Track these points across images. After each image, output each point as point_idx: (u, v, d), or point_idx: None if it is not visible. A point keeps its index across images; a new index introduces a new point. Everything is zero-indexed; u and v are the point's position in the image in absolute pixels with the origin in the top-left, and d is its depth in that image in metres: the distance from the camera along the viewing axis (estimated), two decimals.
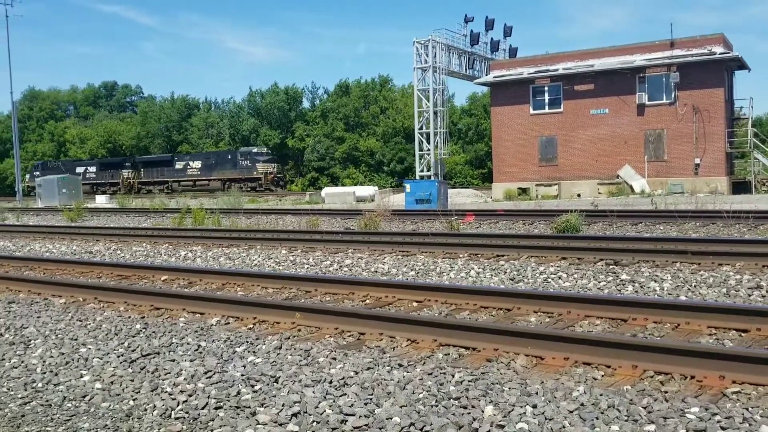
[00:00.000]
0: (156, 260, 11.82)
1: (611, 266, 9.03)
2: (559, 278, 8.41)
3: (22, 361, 5.66)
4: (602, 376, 4.62)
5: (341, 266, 10.16)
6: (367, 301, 7.38)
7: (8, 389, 5.04)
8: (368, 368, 4.89)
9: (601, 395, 4.14)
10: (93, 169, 55.83)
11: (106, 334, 6.33)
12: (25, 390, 4.99)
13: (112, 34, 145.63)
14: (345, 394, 4.36)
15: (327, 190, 37.74)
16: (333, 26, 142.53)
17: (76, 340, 6.18)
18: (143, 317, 7.06)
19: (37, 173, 56.85)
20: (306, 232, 15.33)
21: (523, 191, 34.51)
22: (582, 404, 4.01)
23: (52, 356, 5.70)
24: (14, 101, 53.28)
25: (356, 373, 4.79)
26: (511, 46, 44.45)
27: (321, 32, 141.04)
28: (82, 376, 5.16)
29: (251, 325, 6.52)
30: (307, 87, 66.13)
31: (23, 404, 4.71)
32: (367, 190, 36.58)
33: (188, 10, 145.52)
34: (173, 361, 5.34)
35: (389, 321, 5.90)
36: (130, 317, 7.06)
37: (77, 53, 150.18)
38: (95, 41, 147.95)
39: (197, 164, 51.11)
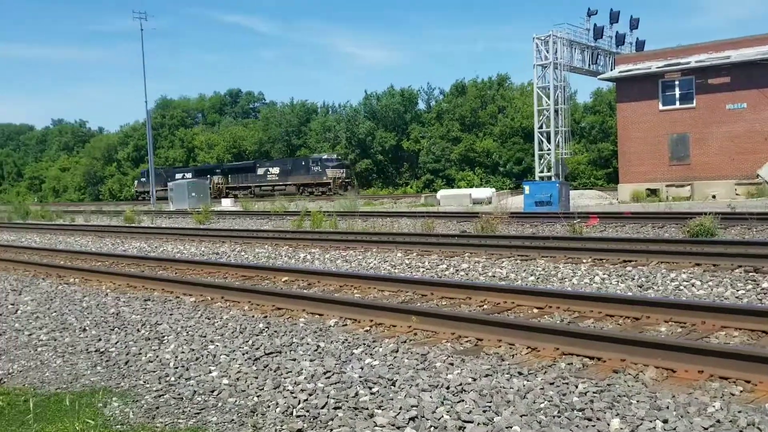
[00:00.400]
0: (277, 262, 12.32)
1: (750, 273, 8.42)
2: (693, 286, 7.94)
3: (157, 356, 6.10)
4: (741, 391, 4.33)
5: (457, 270, 10.13)
6: (485, 307, 7.32)
7: (144, 382, 5.45)
8: (486, 375, 4.85)
9: (739, 412, 3.87)
10: (189, 175, 60.88)
11: (232, 332, 6.68)
12: (159, 383, 5.37)
13: (235, 43, 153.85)
14: (463, 401, 4.35)
15: (442, 193, 37.74)
16: (450, 26, 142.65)
17: (204, 337, 6.57)
18: (266, 317, 7.39)
19: (144, 179, 64.05)
20: (421, 235, 15.42)
21: (652, 192, 32.83)
22: (718, 421, 3.77)
23: (183, 352, 6.10)
24: (148, 110, 57.59)
25: (474, 379, 4.76)
26: (638, 39, 42.43)
27: (437, 32, 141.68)
28: (210, 372, 5.48)
29: (368, 328, 6.65)
30: (423, 88, 66.54)
31: (158, 396, 5.07)
32: (483, 192, 36.23)
33: (306, 17, 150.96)
34: (294, 360, 5.55)
35: (508, 327, 5.82)
36: (253, 316, 7.41)
37: (204, 62, 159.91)
38: (219, 50, 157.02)
39: (276, 170, 55.40)
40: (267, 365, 5.48)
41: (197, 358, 5.88)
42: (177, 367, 5.69)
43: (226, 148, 70.62)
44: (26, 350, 6.74)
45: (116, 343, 6.64)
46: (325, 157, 54.30)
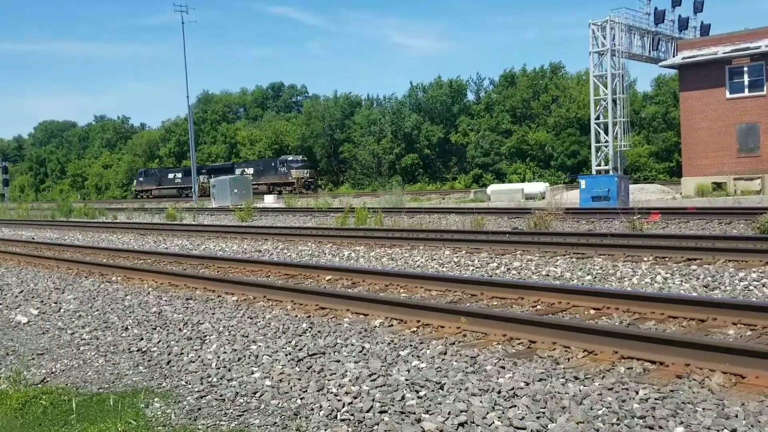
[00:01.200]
0: (321, 260, 12.41)
1: None
2: (764, 286, 7.70)
3: (199, 356, 6.21)
4: None
5: (509, 269, 10.03)
6: (538, 307, 7.22)
7: (186, 382, 5.55)
8: (540, 379, 4.78)
9: None
10: (180, 175, 67.87)
11: (275, 333, 6.75)
12: (201, 384, 5.47)
13: (279, 35, 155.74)
14: (515, 406, 4.29)
15: (493, 188, 37.42)
16: (501, 13, 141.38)
17: (247, 337, 6.66)
18: (309, 316, 7.45)
19: (141, 179, 72.79)
20: (471, 232, 15.32)
21: (719, 186, 31.90)
22: None
23: (225, 352, 6.19)
24: (190, 105, 58.63)
25: (527, 383, 4.70)
26: (702, 23, 41.19)
27: (488, 20, 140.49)
28: (252, 373, 5.55)
29: (415, 329, 6.64)
30: (472, 78, 65.92)
31: (199, 398, 5.16)
32: (536, 187, 35.78)
33: (353, 8, 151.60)
34: (338, 361, 5.57)
35: (563, 329, 5.72)
36: (296, 316, 7.48)
37: (246, 56, 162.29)
38: (263, 43, 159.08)
39: (250, 171, 61.46)
40: (310, 366, 5.52)
41: (239, 359, 5.96)
42: (219, 368, 5.78)
43: (267, 144, 71.45)
44: (69, 349, 6.95)
45: (158, 343, 6.79)
46: (291, 158, 60.91)
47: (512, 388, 4.60)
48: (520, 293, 7.62)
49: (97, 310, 8.64)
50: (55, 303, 9.40)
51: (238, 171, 61.06)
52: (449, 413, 4.24)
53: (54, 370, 6.23)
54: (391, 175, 60.32)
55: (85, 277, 11.64)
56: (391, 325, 6.86)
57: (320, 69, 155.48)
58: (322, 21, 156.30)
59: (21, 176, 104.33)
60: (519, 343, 5.87)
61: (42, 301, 9.59)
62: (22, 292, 10.51)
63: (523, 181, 46.78)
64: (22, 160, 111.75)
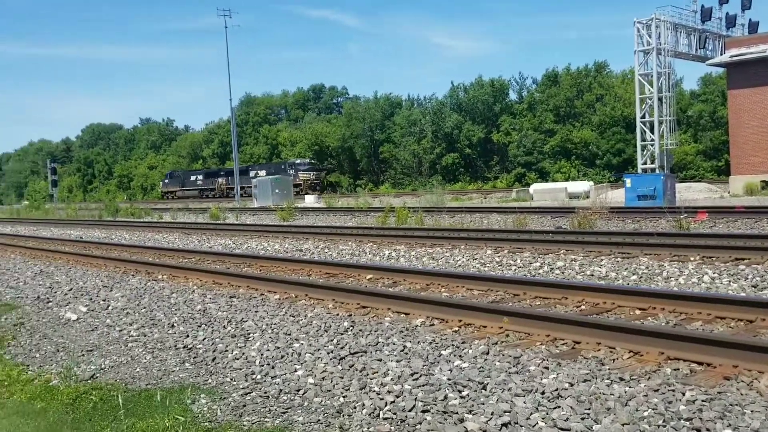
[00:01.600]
0: (361, 259, 12.47)
1: None
2: None
3: (243, 353, 6.30)
4: None
5: (552, 269, 9.93)
6: (582, 308, 7.14)
7: (231, 379, 5.65)
8: (585, 380, 4.73)
9: None
10: (201, 177, 72.39)
11: (317, 331, 6.81)
12: (246, 381, 5.55)
13: (320, 38, 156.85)
14: (559, 407, 4.26)
15: (536, 187, 37.06)
16: (542, 13, 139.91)
17: (289, 335, 6.74)
18: (350, 315, 7.49)
19: (167, 181, 77.71)
20: (513, 231, 15.20)
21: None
22: None
23: (268, 350, 6.28)
24: (233, 107, 59.61)
25: (571, 384, 4.66)
26: (750, 20, 40.06)
27: (528, 21, 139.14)
28: (295, 371, 5.62)
29: (456, 328, 6.63)
30: (514, 78, 65.41)
31: (244, 394, 5.24)
32: (580, 186, 35.32)
33: (393, 10, 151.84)
34: (380, 360, 5.60)
35: (608, 330, 5.65)
36: (338, 315, 7.54)
37: (288, 58, 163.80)
38: (304, 46, 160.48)
39: (263, 173, 64.32)
40: (352, 365, 5.56)
41: (282, 357, 6.04)
42: (263, 365, 5.86)
43: (308, 145, 72.04)
44: (117, 346, 7.13)
45: (203, 340, 6.91)
46: (298, 161, 64.92)
47: (556, 389, 4.56)
48: (564, 293, 7.54)
49: (144, 308, 8.84)
50: (104, 300, 9.64)
51: (252, 173, 64.72)
52: (492, 413, 4.23)
53: (103, 366, 6.39)
54: (431, 174, 60.23)
55: (132, 275, 11.91)
56: (433, 325, 6.86)
57: (360, 70, 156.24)
58: (362, 23, 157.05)
59: (69, 177, 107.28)
60: (563, 344, 5.82)
61: (91, 299, 9.85)
62: (71, 289, 10.81)
63: (567, 180, 46.21)
64: (70, 162, 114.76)
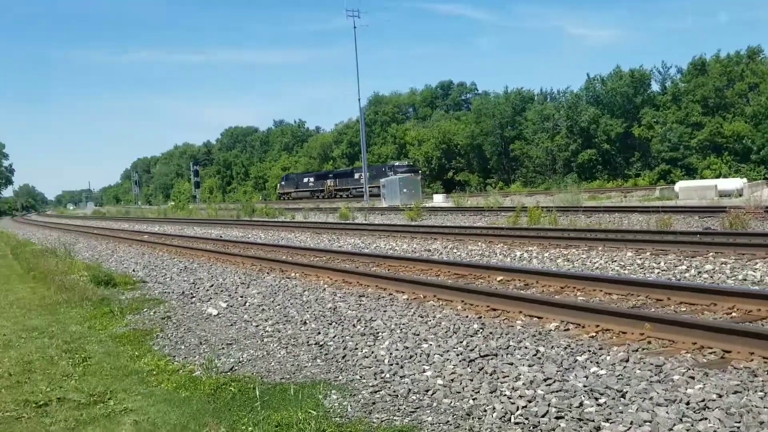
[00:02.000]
0: (491, 260, 12.37)
1: None
2: None
3: (372, 352, 6.45)
4: None
5: (699, 272, 9.39)
6: (734, 315, 6.71)
7: (361, 377, 5.80)
8: (735, 392, 4.45)
9: None
10: (312, 179, 77.53)
11: (446, 332, 6.85)
12: (375, 379, 5.68)
13: (448, 33, 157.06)
14: (706, 419, 4.04)
15: (681, 184, 35.07)
16: None
17: (418, 335, 6.82)
18: (480, 317, 7.46)
19: (283, 182, 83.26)
20: (656, 232, 14.50)
21: None
22: None
23: (397, 349, 6.39)
24: (361, 107, 60.92)
25: (719, 396, 4.40)
26: None
27: (671, 6, 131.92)
28: (424, 371, 5.68)
29: (593, 334, 6.43)
30: (656, 68, 62.19)
31: (373, 392, 5.37)
32: (732, 183, 33.05)
33: (523, 1, 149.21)
34: (511, 364, 5.55)
35: (763, 339, 5.28)
36: (467, 316, 7.53)
37: (416, 55, 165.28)
38: (432, 42, 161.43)
39: (360, 175, 68.59)
40: (482, 368, 5.54)
41: (411, 356, 6.12)
42: (391, 364, 5.98)
43: (434, 144, 72.20)
44: (254, 340, 7.52)
45: (334, 337, 7.15)
46: (397, 164, 67.47)
47: (702, 400, 4.33)
48: (713, 299, 7.11)
49: (278, 305, 9.25)
50: (241, 297, 10.19)
51: (356, 175, 69.53)
52: (631, 423, 4.09)
53: (241, 359, 6.76)
54: (566, 172, 58.59)
55: (267, 273, 12.50)
56: (567, 329, 6.69)
57: (490, 65, 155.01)
58: (491, 16, 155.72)
59: (210, 179, 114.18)
60: (711, 353, 5.50)
61: (230, 295, 10.45)
62: (212, 286, 11.50)
63: (717, 177, 43.39)
64: (210, 164, 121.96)
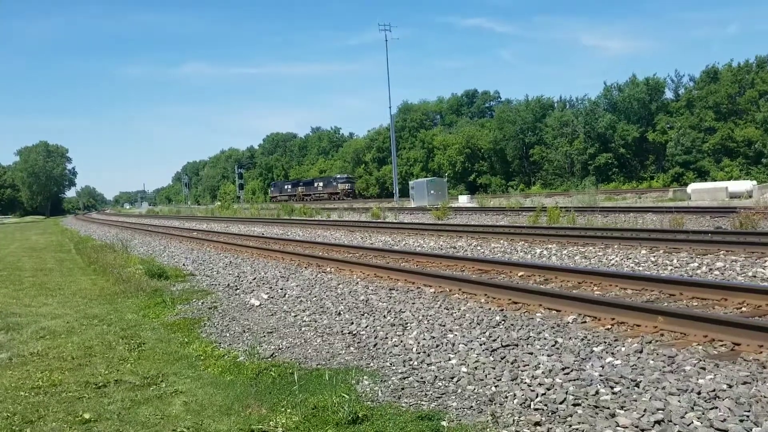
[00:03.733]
0: (513, 256, 12.27)
1: None
2: None
3: (401, 341, 6.45)
4: None
5: (711, 269, 9.21)
6: (744, 309, 6.57)
7: (390, 364, 5.81)
8: (744, 383, 4.36)
9: None
10: (290, 186, 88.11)
11: (470, 323, 6.82)
12: (404, 366, 5.68)
13: (473, 46, 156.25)
14: (716, 408, 3.97)
15: (693, 186, 34.42)
16: (698, 9, 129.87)
17: (444, 326, 6.80)
18: (502, 310, 7.42)
19: (272, 188, 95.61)
20: (669, 231, 14.25)
21: None
22: None
23: (424, 339, 6.38)
24: (392, 115, 60.99)
25: (729, 386, 4.31)
26: None
27: (684, 17, 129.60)
28: (449, 359, 5.66)
29: (609, 326, 6.35)
30: (670, 76, 61.17)
31: (402, 378, 5.37)
32: (742, 185, 32.34)
33: (544, 14, 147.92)
34: (531, 354, 5.50)
35: None
36: (490, 309, 7.49)
37: (443, 66, 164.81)
38: (458, 54, 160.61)
39: (320, 184, 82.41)
40: (504, 357, 5.51)
41: (437, 346, 6.11)
42: (419, 353, 5.97)
43: (458, 149, 71.90)
44: (293, 329, 7.57)
45: (366, 327, 7.16)
46: (338, 176, 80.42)
47: (713, 390, 4.25)
48: (723, 294, 6.97)
49: (315, 297, 9.30)
50: (281, 289, 10.26)
51: (316, 184, 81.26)
52: (645, 410, 4.03)
53: (281, 346, 6.81)
54: (584, 175, 57.90)
55: (305, 267, 12.57)
56: (584, 322, 6.62)
57: (512, 75, 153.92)
58: (514, 28, 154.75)
59: (253, 181, 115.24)
60: (721, 345, 5.39)
61: (270, 288, 10.53)
62: (255, 279, 11.61)
63: (729, 179, 42.50)
64: (254, 167, 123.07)
